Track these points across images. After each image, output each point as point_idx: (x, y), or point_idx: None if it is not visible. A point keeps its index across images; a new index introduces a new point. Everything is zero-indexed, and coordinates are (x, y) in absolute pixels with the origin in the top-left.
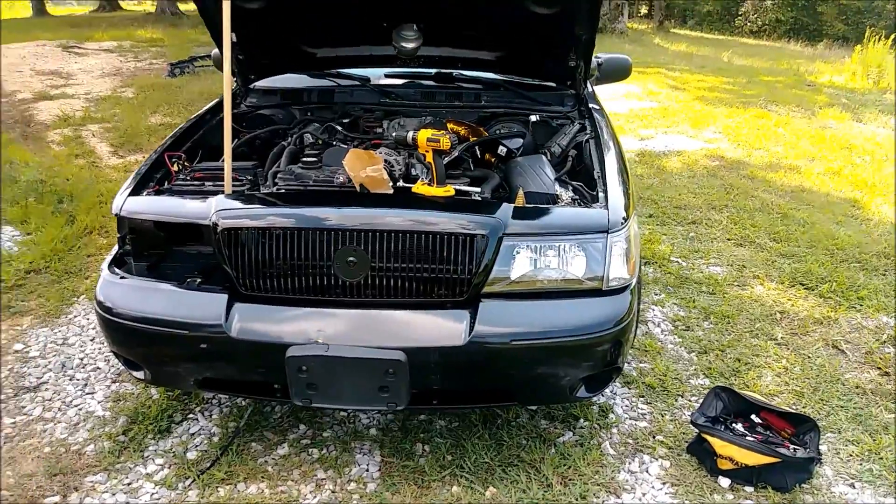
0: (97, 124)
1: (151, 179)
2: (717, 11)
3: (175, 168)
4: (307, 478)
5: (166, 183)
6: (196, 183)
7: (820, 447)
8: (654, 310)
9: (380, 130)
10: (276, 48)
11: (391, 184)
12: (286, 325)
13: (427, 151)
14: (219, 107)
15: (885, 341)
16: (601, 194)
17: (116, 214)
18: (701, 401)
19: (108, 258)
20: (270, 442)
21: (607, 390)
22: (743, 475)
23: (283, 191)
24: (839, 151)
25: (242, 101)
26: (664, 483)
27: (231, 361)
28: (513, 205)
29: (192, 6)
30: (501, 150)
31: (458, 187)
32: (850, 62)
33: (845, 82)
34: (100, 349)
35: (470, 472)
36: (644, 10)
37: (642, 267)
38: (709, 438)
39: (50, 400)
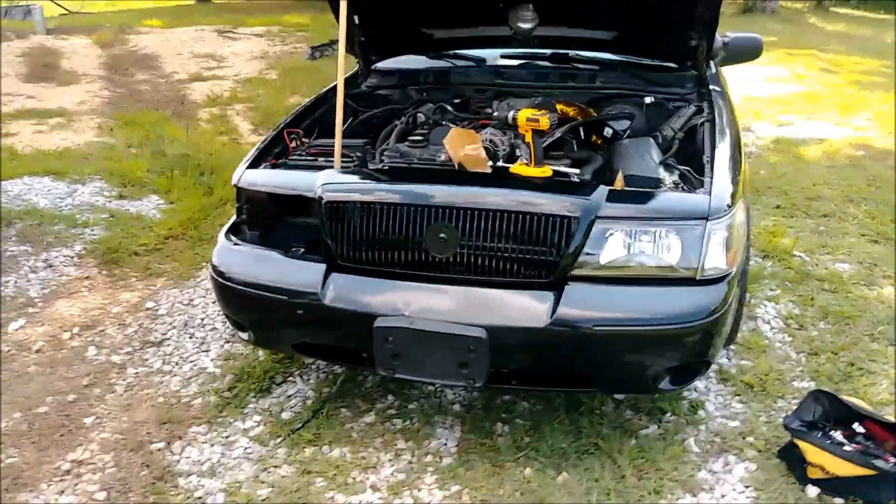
0: (242, 104)
1: (270, 154)
2: None
3: (293, 144)
4: (388, 446)
5: (284, 158)
6: (310, 158)
7: None
8: (766, 306)
9: (489, 111)
10: (395, 30)
11: (490, 163)
12: (376, 296)
13: (526, 131)
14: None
15: None
16: (707, 180)
17: (235, 185)
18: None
19: (226, 226)
20: (359, 409)
21: (700, 385)
22: (833, 486)
23: (386, 167)
24: None
25: (363, 81)
26: (746, 486)
27: (324, 328)
28: (609, 187)
29: None
30: (607, 131)
31: (556, 168)
32: None
33: None
34: (219, 311)
35: (545, 456)
36: None
37: (760, 260)
38: (800, 444)
39: (170, 355)
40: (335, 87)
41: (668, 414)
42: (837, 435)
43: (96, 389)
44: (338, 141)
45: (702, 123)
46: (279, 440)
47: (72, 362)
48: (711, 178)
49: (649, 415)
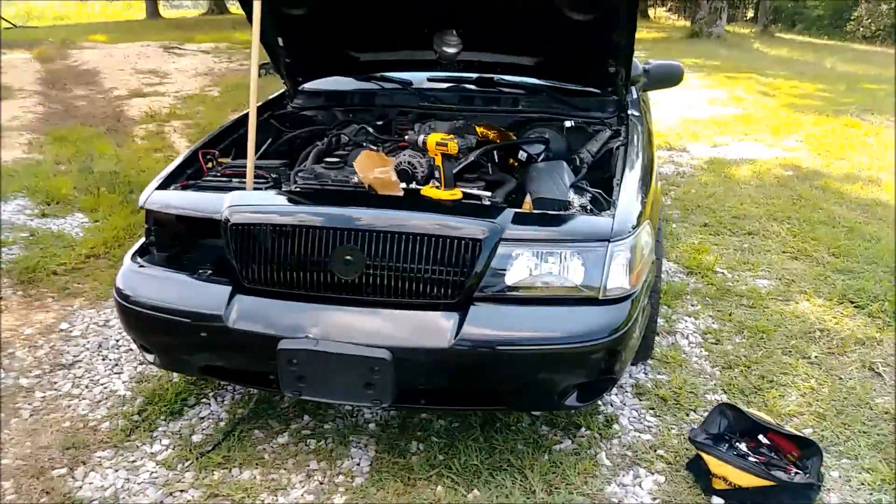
0: (180, 121)
1: (182, 175)
2: (829, 15)
3: (208, 165)
4: (300, 467)
5: (199, 179)
6: (224, 179)
7: (822, 473)
8: (686, 321)
9: (412, 133)
10: (320, 52)
11: (403, 185)
12: (281, 318)
13: (436, 155)
14: (262, 108)
15: None
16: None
17: (141, 207)
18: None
19: (134, 248)
20: (273, 430)
21: (615, 399)
22: (736, 496)
23: (296, 189)
24: None
25: (290, 102)
26: (654, 499)
27: (229, 351)
28: (515, 210)
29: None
30: (522, 154)
31: (468, 191)
32: None
33: None
34: None
35: (457, 474)
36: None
37: (685, 277)
38: (704, 456)
39: (80, 378)
40: (257, 108)
41: (583, 429)
42: (742, 446)
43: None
44: (250, 162)
45: (617, 147)
46: (187, 463)
47: None
48: (617, 200)
49: (564, 430)
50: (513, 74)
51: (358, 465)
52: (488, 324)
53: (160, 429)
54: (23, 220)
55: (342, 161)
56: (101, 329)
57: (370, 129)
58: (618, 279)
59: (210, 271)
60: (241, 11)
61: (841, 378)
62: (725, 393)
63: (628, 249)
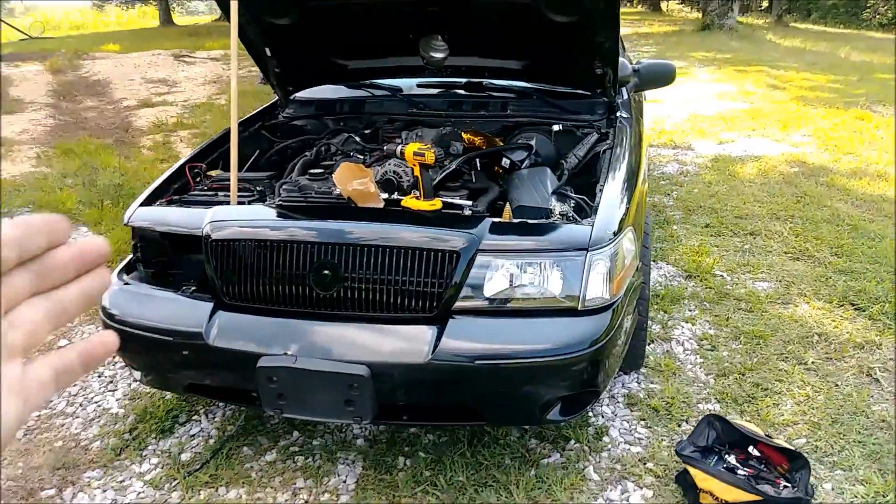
0: (187, 130)
1: (168, 190)
2: (844, 3)
3: (196, 179)
4: (286, 486)
5: (185, 193)
6: (210, 193)
7: (813, 486)
8: (682, 327)
9: (399, 141)
10: (307, 61)
11: (386, 195)
12: (260, 335)
13: (414, 165)
14: (253, 118)
15: None
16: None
17: (125, 224)
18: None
19: (121, 264)
20: (261, 447)
21: (606, 410)
22: None
23: (276, 203)
24: None
25: (282, 111)
26: None
27: (211, 369)
28: (493, 219)
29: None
30: (505, 162)
31: (449, 200)
32: None
33: None
34: None
35: (442, 490)
36: (765, 3)
37: (683, 280)
38: (690, 470)
39: (75, 395)
40: (248, 118)
41: (572, 441)
42: (732, 459)
43: None
44: (233, 176)
45: (604, 151)
46: (175, 483)
47: None
48: (597, 207)
49: (553, 443)
50: (501, 78)
51: (344, 482)
52: (467, 337)
53: (150, 447)
54: None
55: (327, 172)
56: None
57: (357, 139)
58: (597, 289)
59: (193, 288)
60: None
61: (837, 385)
62: (719, 402)
63: (608, 258)
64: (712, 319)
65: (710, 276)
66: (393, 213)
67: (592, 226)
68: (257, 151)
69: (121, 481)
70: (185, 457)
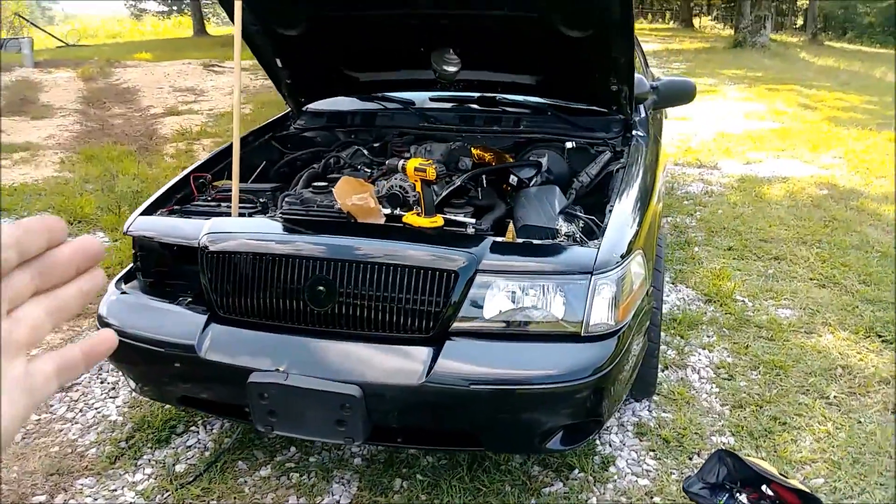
0: (210, 139)
1: (171, 199)
2: (881, 22)
3: (201, 189)
4: (278, 503)
5: (190, 203)
6: (213, 204)
7: None
8: (699, 353)
9: (407, 155)
10: (319, 73)
11: (386, 212)
12: (252, 349)
13: (416, 181)
14: (264, 129)
15: None
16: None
17: (125, 233)
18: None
19: (120, 274)
20: (257, 462)
21: (615, 439)
22: None
23: (278, 216)
24: None
25: (293, 123)
26: None
27: (202, 382)
28: (495, 238)
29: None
30: (512, 179)
31: (452, 217)
32: None
33: None
34: None
35: None
36: (800, 21)
37: (702, 305)
38: None
39: (76, 401)
40: (259, 129)
41: (577, 470)
42: (743, 498)
43: None
44: (235, 187)
45: (617, 170)
46: (166, 495)
47: None
48: (605, 228)
49: (557, 471)
50: (515, 93)
51: (338, 502)
52: (464, 359)
53: (145, 457)
54: None
55: (330, 186)
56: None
57: (365, 152)
58: (602, 314)
59: (189, 299)
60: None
61: (860, 422)
62: (733, 435)
63: (614, 283)
64: (731, 347)
65: (730, 301)
66: (392, 230)
67: (598, 248)
68: (265, 162)
69: (113, 490)
70: (179, 468)
